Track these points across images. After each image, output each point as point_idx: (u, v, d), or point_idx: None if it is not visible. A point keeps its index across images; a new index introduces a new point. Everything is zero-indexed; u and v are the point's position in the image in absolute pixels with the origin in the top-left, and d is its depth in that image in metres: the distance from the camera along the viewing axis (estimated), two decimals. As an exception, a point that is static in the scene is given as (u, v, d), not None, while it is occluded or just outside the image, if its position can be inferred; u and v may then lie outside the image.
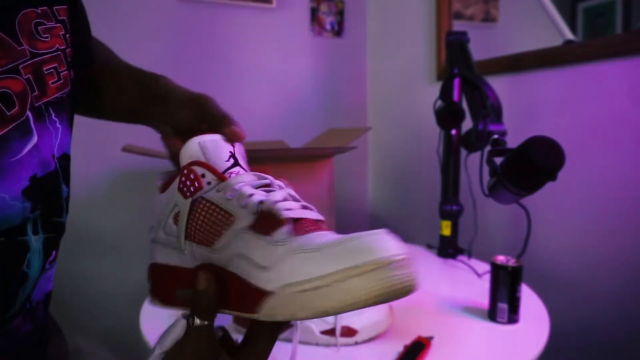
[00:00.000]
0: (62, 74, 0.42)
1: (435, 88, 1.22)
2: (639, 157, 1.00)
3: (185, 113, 0.46)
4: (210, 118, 0.43)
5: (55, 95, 0.41)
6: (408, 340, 0.76)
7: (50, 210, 0.41)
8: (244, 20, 1.56)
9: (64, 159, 0.43)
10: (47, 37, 0.41)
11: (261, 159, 1.08)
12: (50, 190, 0.41)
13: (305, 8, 1.68)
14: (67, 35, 0.44)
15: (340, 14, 1.75)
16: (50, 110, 0.40)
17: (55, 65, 0.41)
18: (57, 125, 0.41)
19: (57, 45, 0.42)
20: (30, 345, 0.43)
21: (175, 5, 1.46)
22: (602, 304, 1.08)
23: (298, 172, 1.11)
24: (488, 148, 0.92)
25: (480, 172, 0.99)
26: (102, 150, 1.39)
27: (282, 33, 1.64)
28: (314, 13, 1.70)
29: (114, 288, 1.44)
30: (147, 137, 1.39)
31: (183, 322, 0.36)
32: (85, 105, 0.55)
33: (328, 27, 1.73)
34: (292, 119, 1.66)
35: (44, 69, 0.40)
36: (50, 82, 0.40)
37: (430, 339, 0.76)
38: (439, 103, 1.13)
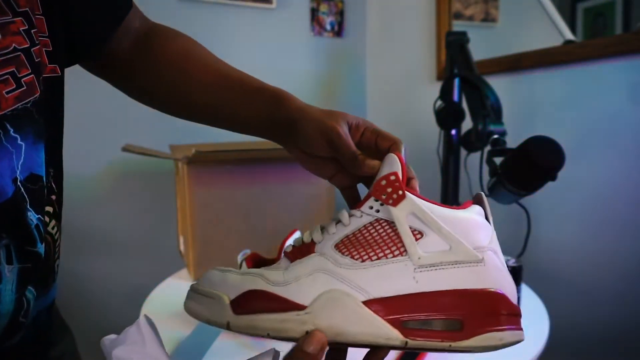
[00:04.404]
0: (23, 79, 0.35)
1: (435, 88, 1.22)
2: (639, 157, 1.00)
3: (317, 146, 0.41)
4: (342, 158, 0.40)
5: (14, 107, 0.34)
6: (408, 340, 0.76)
7: (21, 239, 0.36)
8: (244, 20, 1.56)
9: (33, 181, 0.36)
10: None
11: (261, 159, 1.08)
12: (11, 219, 0.35)
13: (305, 8, 1.68)
14: (34, 31, 0.37)
15: (340, 14, 1.75)
16: (7, 125, 0.34)
17: (12, 69, 0.34)
18: (19, 142, 0.34)
19: (14, 44, 0.34)
20: (31, 347, 0.42)
21: (175, 5, 1.46)
22: (602, 304, 1.08)
23: (298, 172, 1.11)
24: (488, 148, 0.92)
25: (480, 172, 0.99)
26: (102, 150, 1.39)
27: (282, 33, 1.64)
28: (314, 13, 1.70)
29: (114, 288, 1.45)
30: (147, 137, 1.40)
31: None
32: (174, 107, 0.51)
33: (328, 27, 1.73)
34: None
35: None
36: (4, 91, 0.33)
37: (430, 339, 0.76)
38: (439, 103, 1.13)
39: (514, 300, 0.33)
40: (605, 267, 1.07)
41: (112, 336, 0.32)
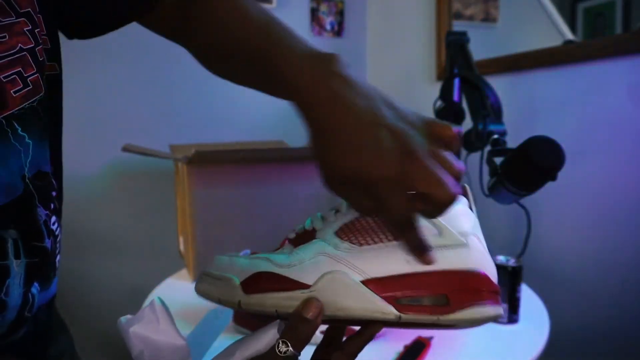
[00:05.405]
0: (29, 78, 0.35)
1: (435, 88, 1.22)
2: (639, 157, 1.00)
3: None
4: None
5: (21, 106, 0.34)
6: (408, 340, 0.76)
7: (29, 235, 0.37)
8: (244, 20, 1.56)
9: (40, 178, 0.37)
10: (3, 37, 0.34)
11: (261, 159, 1.08)
12: (22, 215, 0.36)
13: (305, 8, 1.68)
14: (37, 30, 0.37)
15: (340, 14, 1.75)
16: (15, 124, 0.34)
17: (19, 69, 0.35)
18: (26, 140, 0.35)
19: (19, 44, 0.35)
20: (30, 344, 0.43)
21: (175, 5, 1.46)
22: (602, 304, 1.08)
23: (298, 172, 1.11)
24: (488, 148, 0.92)
25: (480, 172, 0.99)
26: (102, 151, 1.39)
27: (282, 33, 1.64)
28: (314, 13, 1.70)
29: (113, 288, 1.45)
30: (147, 137, 1.40)
31: (276, 334, 0.34)
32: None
33: (328, 27, 1.73)
34: (292, 119, 1.65)
35: (1, 76, 0.33)
36: (11, 91, 0.34)
37: (430, 338, 0.76)
38: (439, 103, 1.13)
39: (494, 280, 0.36)
40: (605, 267, 1.07)
41: (129, 316, 0.35)
